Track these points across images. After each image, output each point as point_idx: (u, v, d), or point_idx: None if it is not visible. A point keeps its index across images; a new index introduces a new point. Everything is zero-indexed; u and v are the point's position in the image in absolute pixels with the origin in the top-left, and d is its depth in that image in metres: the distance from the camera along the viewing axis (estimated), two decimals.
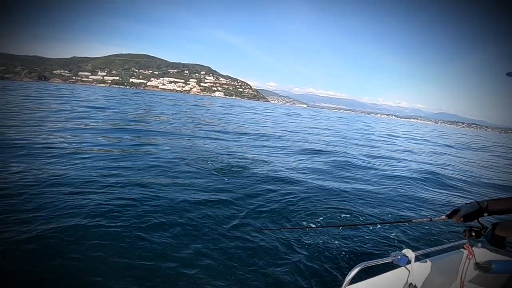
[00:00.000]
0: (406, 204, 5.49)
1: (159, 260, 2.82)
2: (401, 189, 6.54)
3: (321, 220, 4.27)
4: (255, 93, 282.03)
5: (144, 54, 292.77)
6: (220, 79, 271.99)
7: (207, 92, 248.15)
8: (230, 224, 3.77)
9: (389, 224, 4.26)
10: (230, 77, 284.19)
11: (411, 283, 1.69)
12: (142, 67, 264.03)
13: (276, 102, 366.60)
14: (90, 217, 3.50)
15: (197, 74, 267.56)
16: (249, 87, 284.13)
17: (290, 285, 2.71)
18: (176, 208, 4.02)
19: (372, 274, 1.63)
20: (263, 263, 2.99)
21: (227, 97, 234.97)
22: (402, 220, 4.61)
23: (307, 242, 3.46)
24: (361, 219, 4.49)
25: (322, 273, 2.92)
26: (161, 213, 3.81)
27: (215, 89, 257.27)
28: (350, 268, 1.43)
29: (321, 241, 3.52)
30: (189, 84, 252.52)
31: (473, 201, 1.56)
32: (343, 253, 3.33)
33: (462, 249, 2.08)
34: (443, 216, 1.70)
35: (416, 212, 5.17)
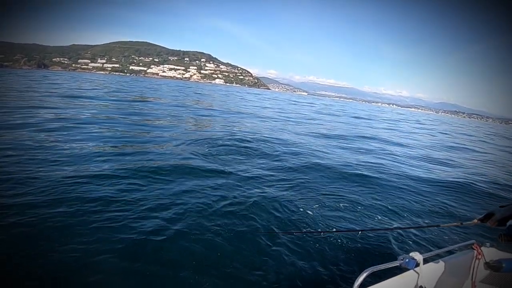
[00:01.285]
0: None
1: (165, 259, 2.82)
2: None
3: (340, 222, 4.13)
4: (256, 81, 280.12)
5: (144, 42, 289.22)
6: (220, 67, 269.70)
7: (207, 79, 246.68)
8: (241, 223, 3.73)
9: (415, 229, 4.08)
10: (230, 65, 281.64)
11: (421, 286, 1.67)
12: (142, 54, 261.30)
13: (276, 89, 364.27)
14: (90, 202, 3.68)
15: (197, 62, 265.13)
16: (249, 74, 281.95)
17: None
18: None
19: (380, 279, 1.60)
20: (268, 266, 2.92)
21: (228, 84, 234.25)
22: (429, 224, 4.47)
23: (314, 245, 3.36)
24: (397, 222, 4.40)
25: (329, 278, 2.84)
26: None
27: (216, 76, 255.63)
28: (358, 273, 1.40)
29: (331, 245, 3.39)
30: (189, 71, 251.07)
31: (509, 204, 1.49)
32: (353, 257, 3.21)
33: (470, 249, 2.05)
34: (475, 220, 1.61)
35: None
